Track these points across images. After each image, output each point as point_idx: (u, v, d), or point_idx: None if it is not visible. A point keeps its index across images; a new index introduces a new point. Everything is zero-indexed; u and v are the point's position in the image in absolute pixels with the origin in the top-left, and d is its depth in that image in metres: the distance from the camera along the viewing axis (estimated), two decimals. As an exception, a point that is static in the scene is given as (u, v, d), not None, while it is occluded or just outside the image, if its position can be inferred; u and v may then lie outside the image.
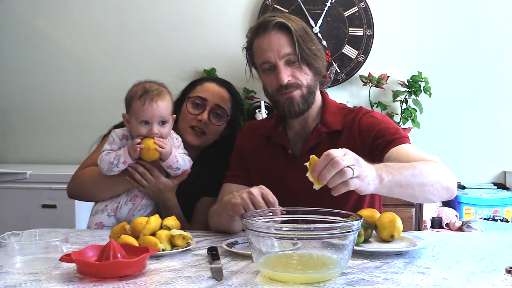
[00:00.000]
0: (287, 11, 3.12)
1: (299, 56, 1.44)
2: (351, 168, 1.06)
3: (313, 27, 3.12)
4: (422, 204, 2.86)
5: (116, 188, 1.60)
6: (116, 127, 1.71)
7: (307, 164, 1.11)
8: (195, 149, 1.73)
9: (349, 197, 1.48)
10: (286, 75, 1.45)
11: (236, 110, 1.80)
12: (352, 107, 1.68)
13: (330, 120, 1.53)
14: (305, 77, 1.47)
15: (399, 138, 1.43)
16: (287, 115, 1.51)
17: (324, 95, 1.61)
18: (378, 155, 1.43)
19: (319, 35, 3.14)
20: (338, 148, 1.47)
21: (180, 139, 1.66)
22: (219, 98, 1.74)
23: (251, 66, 1.58)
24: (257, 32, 1.49)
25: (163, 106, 1.54)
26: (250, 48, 1.53)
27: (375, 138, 1.46)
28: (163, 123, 1.56)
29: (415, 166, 1.23)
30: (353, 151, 1.44)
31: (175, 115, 1.63)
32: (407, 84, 3.10)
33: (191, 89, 1.78)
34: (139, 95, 1.54)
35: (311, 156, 1.12)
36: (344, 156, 1.07)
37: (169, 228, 1.28)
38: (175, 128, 1.70)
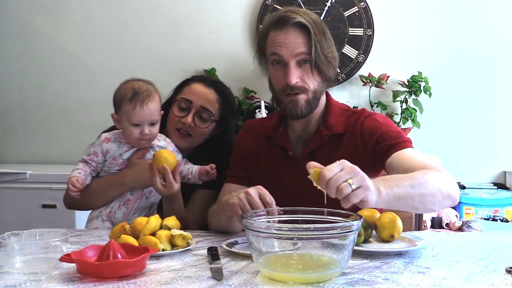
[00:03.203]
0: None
1: (313, 60, 1.41)
2: (348, 182, 1.04)
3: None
4: (422, 204, 2.86)
5: (107, 193, 1.61)
6: (105, 132, 1.72)
7: (310, 177, 1.10)
8: (184, 150, 1.72)
9: None
10: (295, 76, 1.42)
11: (226, 110, 1.77)
12: (353, 108, 1.67)
13: (332, 123, 1.51)
14: (313, 82, 1.45)
15: (401, 142, 1.41)
16: (289, 116, 1.50)
17: (328, 96, 1.59)
18: (380, 160, 1.42)
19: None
20: (339, 152, 1.47)
21: (173, 144, 1.68)
22: (205, 100, 1.71)
23: (260, 56, 1.53)
24: (275, 25, 1.44)
25: (153, 108, 1.57)
26: (263, 38, 1.49)
27: (377, 142, 1.44)
28: (153, 123, 1.58)
29: (414, 176, 1.21)
30: (354, 155, 1.45)
31: (162, 111, 1.63)
32: (407, 84, 3.10)
33: (180, 90, 1.77)
34: (129, 97, 1.55)
35: (312, 170, 1.10)
36: (340, 173, 1.05)
37: (169, 228, 1.28)
38: (163, 129, 1.69)
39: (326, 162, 1.40)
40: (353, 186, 1.04)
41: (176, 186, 1.54)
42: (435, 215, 3.04)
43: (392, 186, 1.15)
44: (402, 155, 1.38)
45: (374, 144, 1.44)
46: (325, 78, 1.47)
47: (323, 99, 1.55)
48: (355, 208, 1.45)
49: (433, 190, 1.22)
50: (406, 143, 1.42)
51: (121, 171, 1.62)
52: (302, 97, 1.45)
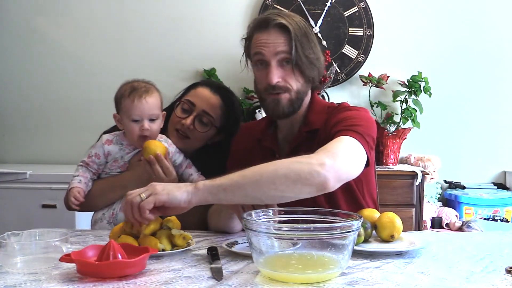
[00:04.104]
0: (287, 11, 3.11)
1: (294, 61, 1.41)
2: (139, 196, 1.15)
3: (313, 27, 3.12)
4: (422, 204, 2.86)
5: (109, 196, 1.61)
6: (105, 133, 1.72)
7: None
8: (185, 153, 1.71)
9: (336, 193, 1.44)
10: (276, 76, 1.42)
11: (229, 118, 1.74)
12: (335, 105, 1.64)
13: (311, 120, 1.51)
14: (296, 83, 1.45)
15: (344, 130, 1.35)
16: (271, 115, 1.51)
17: (313, 96, 1.57)
18: None
19: (319, 35, 3.14)
20: (315, 147, 1.39)
21: (174, 146, 1.67)
22: (208, 105, 1.70)
23: (246, 57, 1.55)
24: (258, 26, 1.46)
25: (152, 102, 1.57)
26: (248, 40, 1.51)
27: (331, 130, 1.40)
28: (153, 119, 1.58)
29: (253, 168, 1.19)
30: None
31: (165, 112, 1.64)
32: (407, 84, 3.10)
33: (186, 92, 1.76)
34: (128, 93, 1.57)
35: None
36: (132, 193, 1.17)
37: (169, 228, 1.28)
38: (164, 129, 1.69)
39: None
40: (143, 196, 1.15)
41: (174, 172, 1.55)
42: (435, 215, 3.04)
43: (217, 180, 1.18)
44: (331, 142, 1.31)
45: (329, 132, 1.39)
46: (308, 79, 1.47)
47: (307, 99, 1.54)
48: (357, 209, 1.46)
49: (273, 176, 1.17)
50: (348, 132, 1.34)
51: (122, 173, 1.62)
52: (284, 97, 1.45)
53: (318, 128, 1.49)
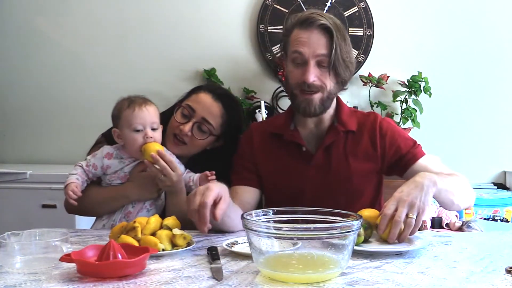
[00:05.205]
0: (287, 11, 3.12)
1: (332, 62, 1.47)
2: (410, 217, 1.25)
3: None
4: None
5: (111, 204, 1.61)
6: (103, 135, 1.71)
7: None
8: (182, 158, 1.70)
9: (363, 194, 1.58)
10: (313, 75, 1.48)
11: (230, 127, 1.71)
12: (360, 110, 1.75)
13: (345, 120, 1.59)
14: (330, 83, 1.51)
15: (419, 151, 1.58)
16: (301, 113, 1.55)
17: (337, 97, 1.65)
18: (401, 167, 1.57)
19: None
20: (358, 149, 1.58)
21: (174, 156, 1.65)
22: (208, 113, 1.66)
23: (283, 51, 1.61)
24: (301, 24, 1.51)
25: (152, 111, 1.58)
26: (287, 35, 1.55)
27: (398, 149, 1.58)
28: (154, 128, 1.58)
29: (452, 176, 1.47)
30: (373, 153, 1.58)
31: (162, 125, 1.63)
32: (407, 84, 3.10)
33: (188, 96, 1.74)
34: (127, 105, 1.57)
35: None
36: (400, 214, 1.25)
37: (169, 228, 1.28)
38: (163, 134, 1.68)
39: (341, 156, 1.56)
40: (414, 216, 1.26)
41: (178, 166, 1.57)
42: (435, 215, 3.04)
43: (443, 180, 1.36)
44: (422, 164, 1.56)
45: (395, 150, 1.58)
46: (341, 81, 1.55)
47: (334, 99, 1.62)
48: (367, 205, 1.50)
49: (463, 189, 1.46)
50: (422, 152, 1.60)
51: (124, 183, 1.61)
52: (317, 96, 1.51)
53: (353, 130, 1.59)
